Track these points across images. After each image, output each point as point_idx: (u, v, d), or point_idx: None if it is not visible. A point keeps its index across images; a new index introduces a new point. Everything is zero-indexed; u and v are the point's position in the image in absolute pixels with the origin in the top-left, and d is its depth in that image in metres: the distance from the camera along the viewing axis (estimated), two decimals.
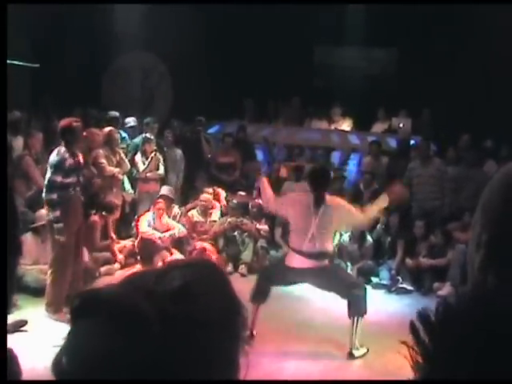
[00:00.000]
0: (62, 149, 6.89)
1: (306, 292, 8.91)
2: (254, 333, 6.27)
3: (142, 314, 0.88)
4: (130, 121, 11.27)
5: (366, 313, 6.67)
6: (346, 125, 13.16)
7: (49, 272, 7.05)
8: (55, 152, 6.94)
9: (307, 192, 6.71)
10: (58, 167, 6.78)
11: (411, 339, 0.97)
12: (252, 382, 0.91)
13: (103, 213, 9.00)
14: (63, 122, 7.06)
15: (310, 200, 6.57)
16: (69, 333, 0.93)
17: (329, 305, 8.26)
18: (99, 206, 8.76)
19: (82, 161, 7.12)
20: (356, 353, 6.56)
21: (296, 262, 6.52)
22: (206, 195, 10.12)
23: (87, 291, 0.94)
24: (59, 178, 6.77)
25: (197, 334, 0.90)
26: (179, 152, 11.06)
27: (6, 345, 4.83)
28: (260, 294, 6.56)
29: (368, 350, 6.66)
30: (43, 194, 6.92)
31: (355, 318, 6.57)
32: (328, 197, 6.64)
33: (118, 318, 0.88)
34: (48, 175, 6.87)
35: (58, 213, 6.78)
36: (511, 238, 1.08)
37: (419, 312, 0.95)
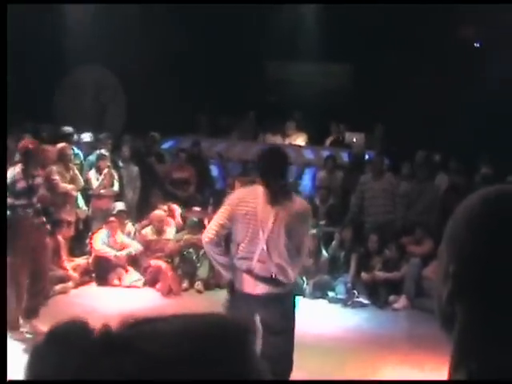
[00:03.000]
0: (16, 170, 6.81)
1: None
2: None
3: None
4: (85, 136, 11.16)
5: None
6: (300, 139, 13.22)
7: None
8: (8, 174, 6.85)
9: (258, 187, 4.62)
10: (10, 190, 6.69)
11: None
12: (255, 382, 0.88)
13: (51, 228, 8.77)
14: (21, 144, 7.03)
15: (262, 196, 4.48)
16: None
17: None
18: (50, 222, 8.60)
19: (39, 181, 7.00)
20: None
21: (246, 285, 4.57)
22: (158, 212, 10.02)
23: None
24: (12, 201, 6.67)
25: None
26: (135, 168, 10.97)
27: (6, 345, 4.73)
28: None
29: None
30: None
31: None
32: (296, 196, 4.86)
33: None
34: None
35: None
36: (478, 269, 1.09)
37: None
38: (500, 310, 1.06)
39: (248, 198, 4.52)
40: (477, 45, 13.72)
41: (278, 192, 4.49)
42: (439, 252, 1.19)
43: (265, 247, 4.45)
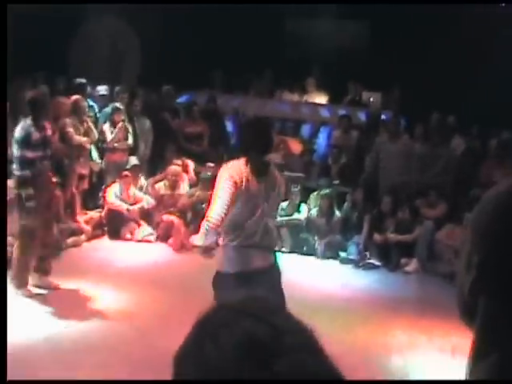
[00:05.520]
0: (28, 122, 6.73)
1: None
2: None
3: None
4: (101, 89, 11.09)
5: None
6: (318, 97, 13.09)
7: (15, 246, 6.93)
8: (19, 126, 6.77)
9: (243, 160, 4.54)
10: (25, 142, 6.61)
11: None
12: (250, 382, 0.87)
13: (65, 181, 8.72)
14: (30, 94, 6.94)
15: (250, 169, 4.45)
16: None
17: (295, 279, 8.30)
18: (63, 174, 8.58)
19: (49, 133, 6.94)
20: None
21: (250, 260, 4.49)
22: (175, 167, 10.01)
23: None
24: (29, 154, 6.62)
25: None
26: (147, 122, 10.92)
27: (5, 345, 4.76)
28: None
29: None
30: (15, 171, 6.75)
31: None
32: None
33: None
34: (15, 151, 6.68)
35: (31, 191, 6.65)
36: (503, 259, 1.05)
37: None
38: None
39: (239, 176, 4.44)
40: (502, 4, 13.43)
41: (263, 166, 4.52)
42: (463, 241, 1.16)
43: (264, 220, 4.50)
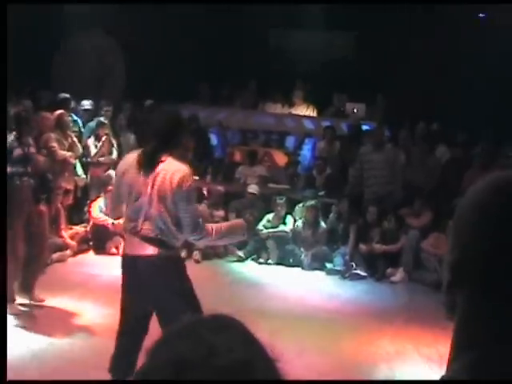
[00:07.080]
0: (10, 137, 6.74)
1: (259, 277, 8.95)
2: None
3: None
4: (86, 104, 11.07)
5: None
6: (306, 109, 13.11)
7: None
8: None
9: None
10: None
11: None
12: (250, 382, 0.87)
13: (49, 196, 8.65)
14: (14, 109, 6.94)
15: (138, 162, 4.34)
16: None
17: (282, 291, 8.30)
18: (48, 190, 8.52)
19: (33, 150, 6.93)
20: None
21: (128, 247, 4.48)
22: None
23: None
24: (7, 169, 6.61)
25: None
26: (132, 136, 10.91)
27: (6, 344, 4.71)
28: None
29: None
30: None
31: None
32: (173, 161, 4.33)
33: None
34: None
35: None
36: (479, 260, 1.06)
37: None
38: (498, 302, 1.04)
39: (129, 165, 4.42)
40: (481, 15, 13.56)
41: (152, 158, 4.34)
42: (447, 233, 1.17)
43: (147, 209, 4.33)
